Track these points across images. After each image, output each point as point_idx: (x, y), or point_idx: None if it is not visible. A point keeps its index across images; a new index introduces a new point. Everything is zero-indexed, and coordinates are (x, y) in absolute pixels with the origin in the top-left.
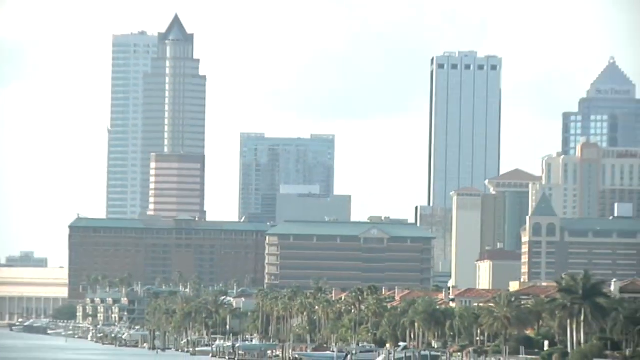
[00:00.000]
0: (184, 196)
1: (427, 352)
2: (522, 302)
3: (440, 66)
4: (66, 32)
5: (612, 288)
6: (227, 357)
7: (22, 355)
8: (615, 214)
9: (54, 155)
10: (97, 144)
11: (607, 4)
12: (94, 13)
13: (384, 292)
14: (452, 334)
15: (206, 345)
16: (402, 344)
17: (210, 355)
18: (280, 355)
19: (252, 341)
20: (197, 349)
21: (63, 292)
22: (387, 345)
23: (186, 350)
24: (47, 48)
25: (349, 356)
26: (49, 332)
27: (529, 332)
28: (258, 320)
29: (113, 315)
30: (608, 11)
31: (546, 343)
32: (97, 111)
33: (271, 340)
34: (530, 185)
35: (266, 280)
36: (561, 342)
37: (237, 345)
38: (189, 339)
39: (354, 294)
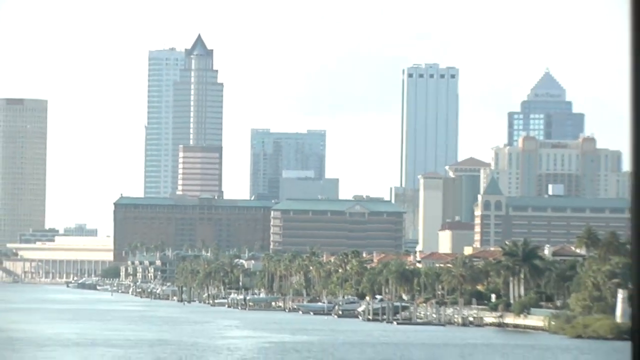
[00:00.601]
0: (206, 179)
1: (398, 304)
2: (474, 264)
3: (410, 75)
4: (112, 48)
5: (546, 252)
6: (239, 307)
7: (77, 306)
8: (550, 193)
9: (103, 148)
10: (136, 138)
11: (543, 26)
12: (134, 32)
13: (364, 256)
14: (418, 288)
15: (223, 298)
16: (378, 297)
17: (226, 305)
18: (282, 305)
19: (259, 295)
20: (215, 301)
21: (109, 256)
22: (367, 298)
23: (207, 302)
24: (99, 62)
25: (336, 306)
26: (97, 287)
27: (480, 287)
28: (264, 278)
29: (149, 275)
30: (545, 31)
31: (493, 296)
32: (136, 112)
33: (275, 294)
34: (482, 170)
35: (271, 246)
36: (505, 295)
37: (247, 298)
38: (209, 293)
39: (340, 257)
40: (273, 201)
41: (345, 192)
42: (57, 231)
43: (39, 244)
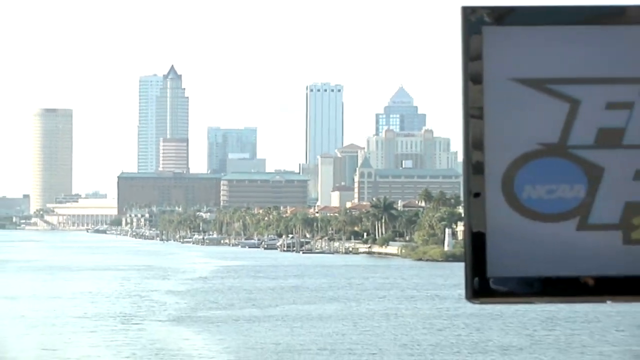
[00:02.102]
0: (178, 160)
1: (303, 240)
2: (353, 213)
3: (311, 90)
4: (116, 74)
5: (399, 205)
6: (200, 244)
7: (93, 244)
8: (403, 166)
9: (110, 139)
10: (131, 133)
11: (394, 52)
12: (131, 64)
13: (281, 209)
14: (316, 230)
15: (189, 238)
16: (290, 235)
17: (191, 243)
18: (228, 242)
19: (213, 235)
20: (184, 240)
21: (114, 212)
22: (283, 236)
23: (179, 240)
24: (107, 83)
25: (262, 242)
26: (107, 232)
27: (356, 228)
28: (216, 224)
29: (141, 223)
30: (398, 55)
31: (365, 234)
32: (131, 116)
33: (223, 235)
34: (359, 152)
35: (221, 204)
36: (372, 233)
37: (205, 237)
38: (180, 234)
39: (265, 210)
40: (222, 174)
41: (270, 167)
42: (80, 195)
43: (68, 204)
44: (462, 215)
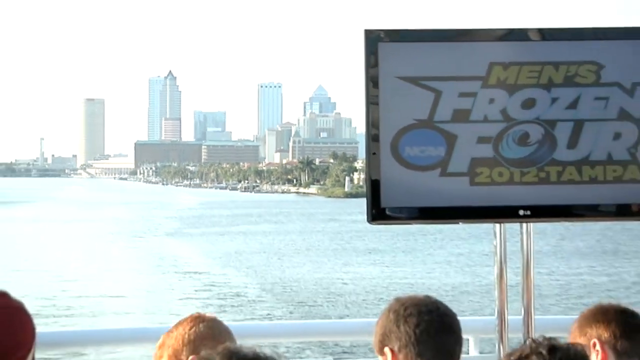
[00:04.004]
0: (175, 133)
1: (255, 184)
2: (287, 167)
3: (260, 86)
4: (133, 76)
5: (317, 162)
6: (188, 187)
7: (117, 187)
8: (321, 136)
9: (130, 119)
10: (144, 116)
11: (319, 57)
12: (144, 69)
13: (241, 164)
14: (264, 177)
15: (181, 183)
16: (247, 181)
17: (182, 186)
18: (206, 185)
19: (197, 181)
20: (177, 185)
21: (132, 166)
22: (242, 182)
23: (174, 185)
24: (125, 83)
25: (228, 186)
26: (127, 180)
27: (289, 177)
28: (199, 174)
29: (149, 173)
30: (319, 59)
31: (295, 180)
32: (143, 105)
33: (203, 181)
34: (292, 127)
35: (202, 160)
36: (299, 180)
37: (191, 182)
38: (175, 181)
39: (231, 165)
40: (203, 141)
41: (234, 137)
42: (110, 155)
43: (102, 161)
44: (358, 168)
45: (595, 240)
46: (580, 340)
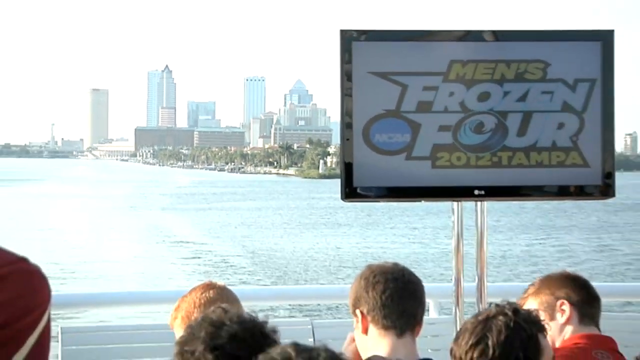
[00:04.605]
0: (170, 120)
1: (240, 166)
2: (269, 151)
3: (246, 80)
4: (133, 69)
5: (295, 147)
6: (181, 168)
7: (118, 168)
8: (299, 124)
9: (130, 107)
10: (143, 105)
11: (298, 54)
12: (143, 63)
13: (228, 148)
14: (248, 160)
15: (175, 165)
16: (233, 163)
17: (177, 167)
18: (197, 166)
19: (189, 163)
20: (172, 166)
21: (132, 149)
22: (229, 164)
23: (169, 166)
24: (124, 75)
25: (217, 167)
26: (128, 161)
27: (271, 160)
28: (191, 156)
29: (148, 156)
30: (298, 56)
31: (275, 163)
32: (142, 95)
33: (195, 162)
34: (274, 116)
35: (194, 144)
36: (279, 163)
37: (184, 164)
38: (170, 162)
39: (219, 149)
40: (195, 128)
41: (223, 124)
42: (113, 139)
43: (106, 144)
44: (331, 152)
45: (531, 217)
46: (541, 298)
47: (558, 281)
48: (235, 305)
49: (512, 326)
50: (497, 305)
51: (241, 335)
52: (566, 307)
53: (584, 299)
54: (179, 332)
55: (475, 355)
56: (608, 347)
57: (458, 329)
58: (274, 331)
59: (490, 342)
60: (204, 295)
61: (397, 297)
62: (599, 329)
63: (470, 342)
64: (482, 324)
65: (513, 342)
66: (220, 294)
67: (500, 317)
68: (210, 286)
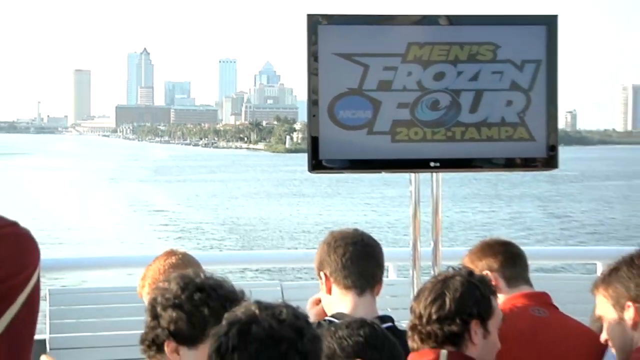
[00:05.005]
0: (148, 99)
1: (213, 141)
2: (240, 127)
3: (219, 61)
4: (112, 51)
5: (264, 123)
6: (158, 143)
7: (100, 143)
8: (267, 103)
9: (112, 86)
10: (123, 85)
11: (267, 37)
12: (123, 46)
13: (202, 125)
14: (221, 136)
15: (152, 140)
16: (207, 138)
17: (154, 142)
18: (174, 142)
19: (166, 138)
20: (150, 141)
21: (113, 125)
22: (203, 139)
23: (147, 141)
24: (105, 57)
25: (192, 143)
26: (109, 137)
27: (242, 135)
28: (168, 132)
29: (127, 131)
30: (268, 40)
31: (246, 138)
32: (122, 75)
33: (171, 138)
34: (244, 95)
35: (171, 121)
36: (249, 138)
37: (161, 140)
38: (148, 138)
39: (195, 125)
40: (172, 106)
41: (197, 103)
42: (95, 116)
43: (88, 121)
44: (297, 129)
45: (483, 187)
46: None
47: (477, 254)
48: (199, 269)
49: (467, 285)
50: (453, 268)
51: (212, 284)
52: (490, 277)
53: (504, 262)
54: (147, 299)
55: (433, 310)
56: (543, 302)
57: (415, 290)
58: (242, 292)
59: (447, 299)
60: (167, 262)
61: (356, 259)
62: (530, 285)
63: (429, 299)
64: (441, 283)
65: (468, 300)
66: (183, 260)
67: (457, 277)
68: (172, 253)
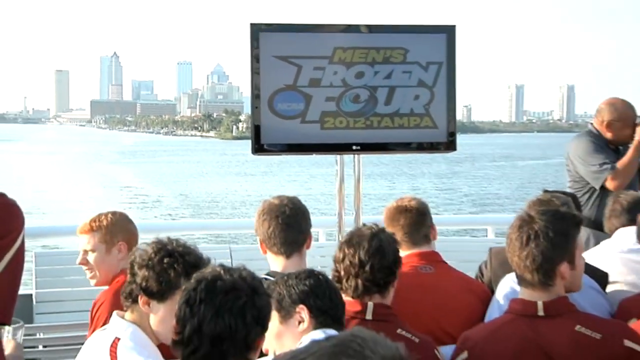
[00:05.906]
0: (118, 94)
1: (172, 130)
2: (194, 119)
3: (178, 63)
4: (86, 54)
5: (214, 115)
6: (127, 132)
7: (79, 131)
8: (218, 98)
9: (89, 85)
10: (95, 83)
11: (220, 43)
12: (98, 49)
13: (163, 116)
14: (179, 125)
15: (122, 129)
16: (167, 128)
17: (123, 131)
18: (140, 130)
19: (133, 127)
20: (120, 129)
21: (88, 117)
22: (164, 128)
23: (117, 130)
24: (87, 58)
25: (154, 131)
26: (85, 126)
27: (196, 125)
28: (135, 122)
29: (101, 122)
30: (220, 45)
31: (200, 127)
32: (95, 75)
33: (137, 127)
34: (199, 91)
35: (137, 113)
36: (202, 127)
37: (129, 128)
38: (118, 127)
39: (157, 117)
40: (138, 100)
41: (160, 97)
42: (73, 109)
43: (67, 112)
44: (242, 120)
45: (395, 167)
46: None
47: (387, 220)
48: (131, 224)
49: (379, 236)
50: (364, 224)
51: (181, 251)
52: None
53: (406, 229)
54: (83, 237)
55: (350, 252)
56: (432, 260)
57: None
58: (208, 259)
59: (362, 248)
60: (108, 214)
61: (278, 231)
62: (426, 246)
63: (346, 248)
64: (357, 236)
65: (379, 249)
66: (122, 216)
67: (368, 231)
68: (113, 212)
